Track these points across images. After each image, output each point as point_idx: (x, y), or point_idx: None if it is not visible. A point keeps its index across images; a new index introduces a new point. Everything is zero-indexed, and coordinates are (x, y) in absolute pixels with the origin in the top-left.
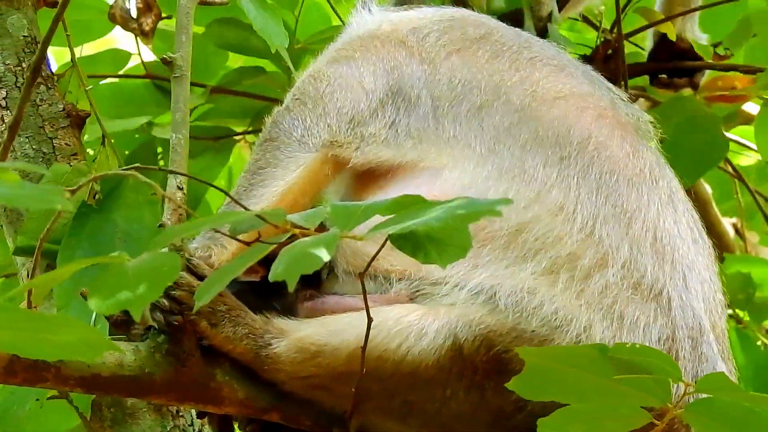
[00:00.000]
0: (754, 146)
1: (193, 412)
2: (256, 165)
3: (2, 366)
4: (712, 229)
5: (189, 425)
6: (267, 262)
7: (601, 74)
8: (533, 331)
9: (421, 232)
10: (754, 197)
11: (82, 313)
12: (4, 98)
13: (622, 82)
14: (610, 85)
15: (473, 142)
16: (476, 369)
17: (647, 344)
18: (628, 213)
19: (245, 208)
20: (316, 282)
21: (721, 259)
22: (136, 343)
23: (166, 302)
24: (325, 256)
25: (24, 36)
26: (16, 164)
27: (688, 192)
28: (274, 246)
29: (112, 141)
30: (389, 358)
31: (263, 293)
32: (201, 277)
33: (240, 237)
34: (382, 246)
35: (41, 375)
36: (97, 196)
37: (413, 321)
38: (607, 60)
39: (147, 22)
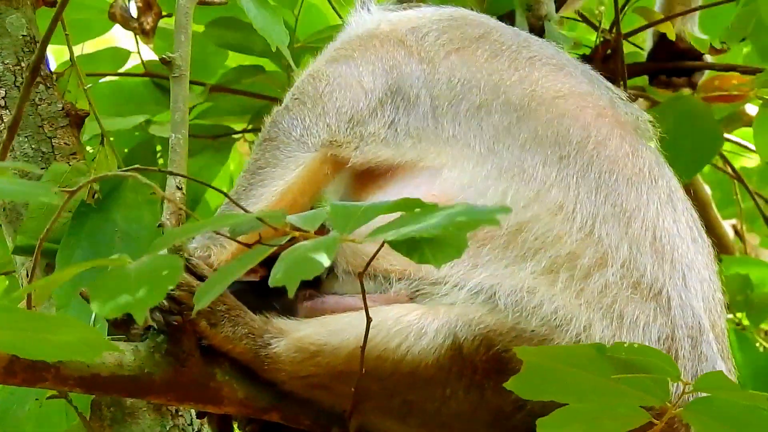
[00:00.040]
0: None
1: (193, 411)
2: (255, 165)
3: (2, 366)
4: (711, 230)
5: (188, 424)
6: (267, 261)
7: (601, 74)
8: (533, 330)
9: (419, 237)
10: (755, 200)
11: (81, 313)
12: (3, 98)
13: (621, 82)
14: (609, 84)
15: (472, 141)
16: (476, 368)
17: (647, 343)
18: (627, 212)
19: (244, 210)
20: (315, 282)
21: (718, 260)
22: (136, 343)
23: (165, 302)
24: (326, 261)
25: (23, 35)
26: (15, 164)
27: (687, 191)
28: (275, 249)
29: (111, 139)
30: (389, 358)
31: (263, 293)
32: (200, 277)
33: (240, 238)
34: (381, 247)
35: (41, 375)
36: (96, 196)
37: (413, 320)
38: (606, 60)
39: (147, 21)
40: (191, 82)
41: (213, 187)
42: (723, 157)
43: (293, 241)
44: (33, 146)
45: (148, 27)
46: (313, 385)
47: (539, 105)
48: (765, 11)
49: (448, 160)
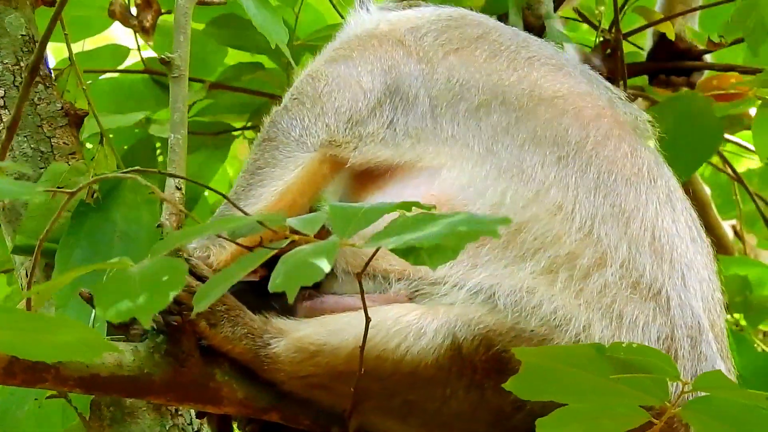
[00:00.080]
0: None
1: (192, 411)
2: (254, 165)
3: (1, 367)
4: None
5: (188, 424)
6: (267, 261)
7: (600, 74)
8: (532, 330)
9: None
10: (755, 201)
11: (80, 313)
12: (2, 97)
13: (621, 82)
14: (608, 84)
15: (471, 141)
16: (475, 368)
17: (646, 343)
18: (626, 212)
19: (243, 211)
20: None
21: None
22: (135, 344)
23: None
24: (326, 266)
25: (22, 35)
26: (9, 164)
27: (687, 191)
28: (275, 252)
29: (111, 137)
30: (388, 358)
31: (262, 293)
32: (199, 277)
33: (239, 239)
34: (378, 249)
35: (40, 376)
36: (95, 195)
37: (412, 320)
38: (606, 59)
39: (147, 19)
40: (191, 79)
41: (212, 188)
42: (723, 158)
43: (293, 243)
44: (32, 146)
45: (147, 24)
46: (313, 385)
47: (538, 105)
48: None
49: (447, 161)
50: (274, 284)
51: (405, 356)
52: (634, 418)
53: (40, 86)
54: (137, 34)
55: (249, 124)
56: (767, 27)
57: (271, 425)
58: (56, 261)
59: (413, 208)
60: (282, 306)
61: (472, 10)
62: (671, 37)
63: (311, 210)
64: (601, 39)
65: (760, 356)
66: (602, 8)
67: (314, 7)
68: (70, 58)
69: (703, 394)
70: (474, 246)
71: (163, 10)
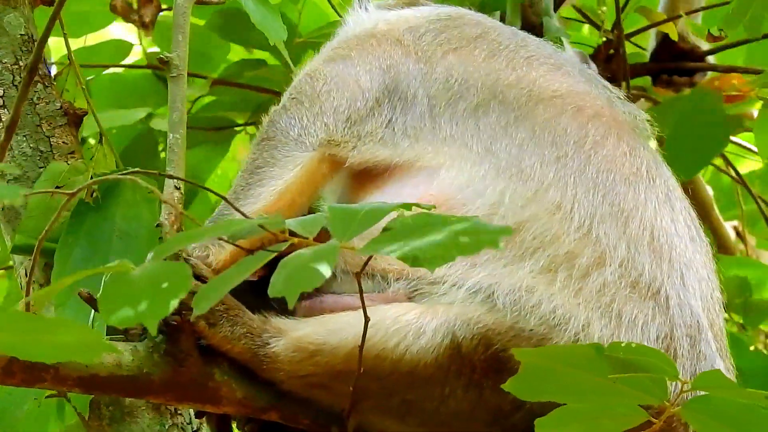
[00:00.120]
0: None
1: (191, 410)
2: (253, 164)
3: (0, 366)
4: (713, 232)
5: (187, 423)
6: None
7: (603, 74)
8: (531, 329)
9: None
10: (757, 202)
11: (79, 312)
12: (1, 96)
13: (624, 83)
14: (607, 83)
15: (470, 141)
16: (474, 367)
17: (645, 342)
18: (625, 212)
19: (243, 213)
20: None
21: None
22: (135, 343)
23: None
24: (327, 271)
25: (21, 34)
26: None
27: (687, 191)
28: (274, 255)
29: (114, 132)
30: (387, 357)
31: (261, 292)
32: (199, 277)
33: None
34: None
35: (39, 375)
36: (94, 194)
37: (411, 320)
38: (608, 60)
39: (147, 14)
40: (194, 75)
41: (210, 190)
42: (726, 159)
43: (294, 245)
44: (31, 145)
45: (147, 20)
46: (312, 385)
47: (537, 104)
48: None
49: (445, 160)
50: (274, 289)
51: (404, 355)
52: (633, 417)
53: (39, 85)
54: (138, 29)
55: (251, 121)
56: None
57: (270, 424)
58: (55, 260)
59: (413, 208)
60: (281, 305)
61: (470, 9)
62: (674, 37)
63: (310, 209)
64: (604, 39)
65: (762, 357)
66: (604, 8)
67: (317, 4)
68: (69, 57)
69: (702, 393)
70: None
71: (163, 7)
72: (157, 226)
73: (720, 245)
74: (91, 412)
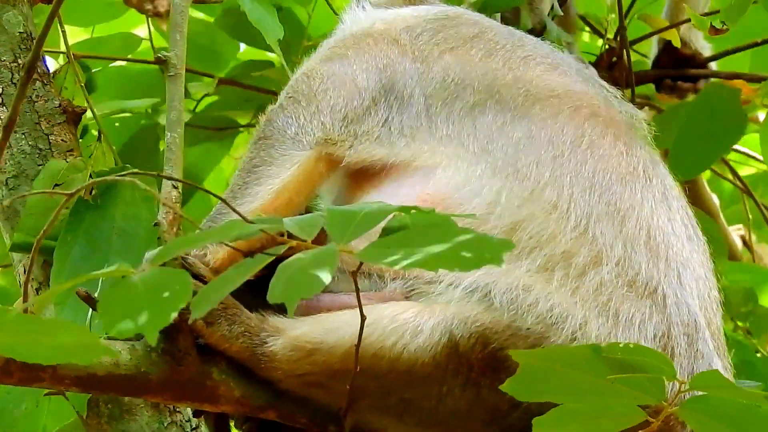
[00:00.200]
0: (760, 157)
1: (190, 409)
2: (250, 163)
3: None
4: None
5: (186, 421)
6: None
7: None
8: (528, 328)
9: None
10: (761, 210)
11: (77, 311)
12: (0, 95)
13: (628, 90)
14: (604, 83)
15: (466, 140)
16: (472, 366)
17: (643, 341)
18: (621, 211)
19: (239, 214)
20: None
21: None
22: (132, 342)
23: None
24: (327, 277)
25: (20, 32)
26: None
27: (690, 194)
28: (273, 258)
29: (116, 125)
30: (385, 356)
31: (259, 291)
32: (196, 276)
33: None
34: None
35: (37, 375)
36: (93, 193)
37: (409, 318)
38: (611, 68)
39: (162, 4)
40: (201, 74)
41: (207, 191)
42: (730, 167)
43: (292, 248)
44: (30, 143)
45: (162, 9)
46: (310, 384)
47: (533, 104)
48: None
49: (442, 160)
50: (273, 295)
51: (401, 354)
52: (631, 417)
53: (38, 83)
54: (149, 20)
55: (254, 122)
56: None
57: (268, 423)
58: (54, 258)
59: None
60: (278, 304)
61: (468, 8)
62: (677, 44)
63: (307, 209)
64: (607, 47)
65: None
66: (613, 15)
67: (326, 7)
68: (68, 55)
69: (700, 392)
70: None
71: None
72: (155, 225)
73: (729, 254)
74: (90, 410)
